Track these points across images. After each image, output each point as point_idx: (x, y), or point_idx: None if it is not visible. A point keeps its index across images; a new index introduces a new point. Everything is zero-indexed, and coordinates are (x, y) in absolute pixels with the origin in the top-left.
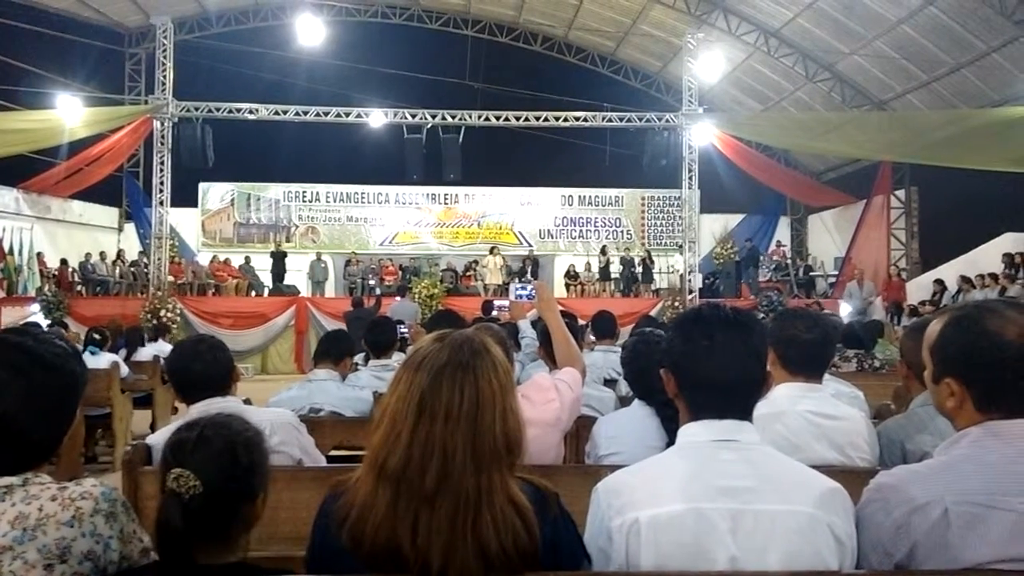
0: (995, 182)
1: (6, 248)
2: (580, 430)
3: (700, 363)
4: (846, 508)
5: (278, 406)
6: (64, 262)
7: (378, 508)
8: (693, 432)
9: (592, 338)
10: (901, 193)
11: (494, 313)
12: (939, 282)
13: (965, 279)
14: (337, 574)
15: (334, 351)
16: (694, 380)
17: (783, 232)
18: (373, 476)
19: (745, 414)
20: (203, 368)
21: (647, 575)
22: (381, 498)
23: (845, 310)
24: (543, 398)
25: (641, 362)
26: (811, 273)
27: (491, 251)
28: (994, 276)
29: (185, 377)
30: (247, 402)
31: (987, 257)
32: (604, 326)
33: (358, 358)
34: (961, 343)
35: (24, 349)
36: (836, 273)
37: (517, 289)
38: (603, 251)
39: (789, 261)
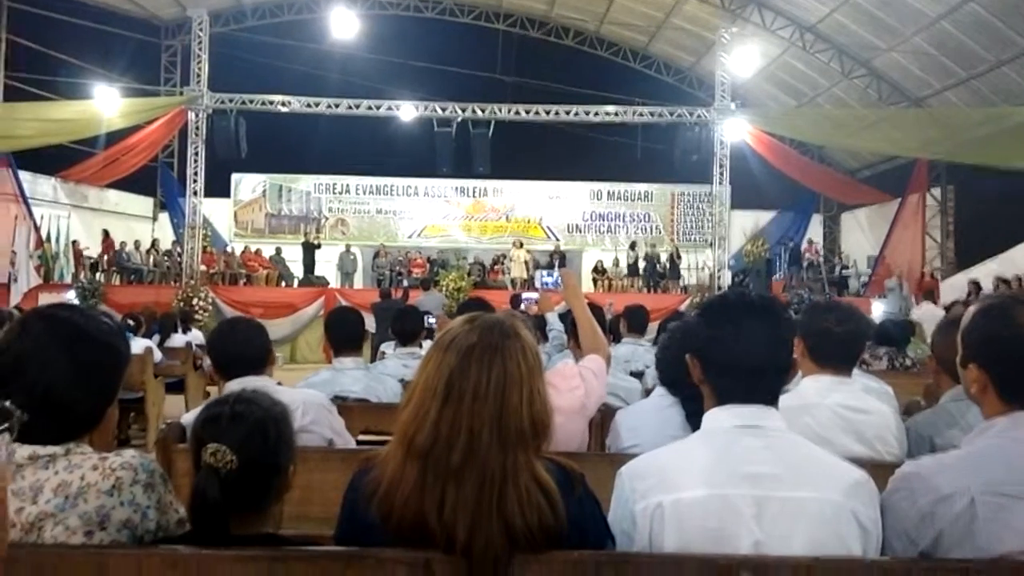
0: None
1: (43, 236)
2: (605, 419)
3: (726, 348)
4: (871, 496)
5: None
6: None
7: (406, 483)
8: (717, 417)
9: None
10: (937, 191)
11: (522, 307)
12: (974, 282)
13: (1001, 279)
14: (365, 546)
15: (353, 336)
16: (720, 365)
17: (815, 230)
18: (402, 452)
19: (771, 400)
20: (241, 347)
21: (672, 556)
22: (409, 473)
23: (878, 310)
24: (568, 385)
25: (676, 350)
26: (844, 272)
27: (514, 244)
28: None
29: (224, 354)
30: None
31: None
32: (636, 319)
33: (387, 347)
34: (985, 330)
35: (71, 324)
36: (869, 272)
37: (543, 276)
38: (632, 246)
39: (821, 259)
